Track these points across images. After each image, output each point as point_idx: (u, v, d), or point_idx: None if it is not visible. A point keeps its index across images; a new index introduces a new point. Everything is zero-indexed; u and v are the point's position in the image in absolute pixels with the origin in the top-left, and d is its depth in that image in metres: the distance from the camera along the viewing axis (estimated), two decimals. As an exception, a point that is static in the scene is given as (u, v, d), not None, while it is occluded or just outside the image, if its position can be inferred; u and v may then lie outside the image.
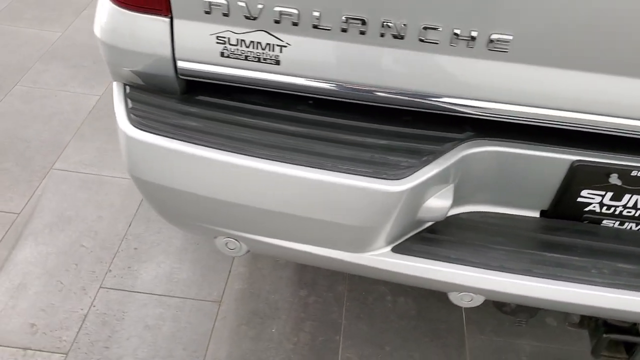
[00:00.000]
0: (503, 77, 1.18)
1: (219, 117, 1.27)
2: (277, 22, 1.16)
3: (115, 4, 1.22)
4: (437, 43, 1.15)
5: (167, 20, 1.20)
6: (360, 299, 2.15)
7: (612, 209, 1.35)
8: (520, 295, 1.29)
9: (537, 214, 1.42)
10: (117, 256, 2.22)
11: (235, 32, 1.19)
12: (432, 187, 1.23)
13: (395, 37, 1.15)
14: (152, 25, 1.21)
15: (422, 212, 1.26)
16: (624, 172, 1.26)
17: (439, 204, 1.26)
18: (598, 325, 1.46)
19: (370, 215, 1.21)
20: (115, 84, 1.34)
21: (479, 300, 1.37)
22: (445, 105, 1.22)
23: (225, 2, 1.15)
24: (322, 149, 1.22)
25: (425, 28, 1.12)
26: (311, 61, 1.21)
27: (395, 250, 1.30)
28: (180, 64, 1.24)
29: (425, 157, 1.21)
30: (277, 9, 1.14)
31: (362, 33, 1.15)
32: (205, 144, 1.20)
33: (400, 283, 1.38)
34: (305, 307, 2.11)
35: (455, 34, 1.12)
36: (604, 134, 1.22)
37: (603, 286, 1.26)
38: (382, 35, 1.15)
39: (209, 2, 1.15)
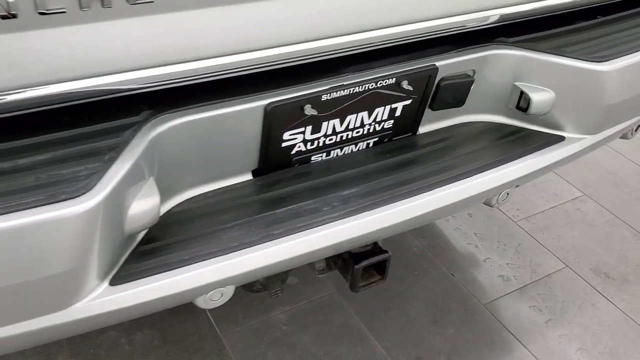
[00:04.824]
0: (157, 34, 0.98)
1: None
2: None
3: None
4: (65, 12, 0.88)
5: None
6: (91, 357, 1.77)
7: (316, 142, 1.29)
8: (272, 264, 1.14)
9: (249, 176, 1.28)
10: None
11: None
12: (131, 189, 0.98)
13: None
14: None
15: (130, 223, 1.00)
16: (315, 100, 1.20)
17: (146, 205, 1.01)
18: (345, 260, 1.42)
19: (66, 250, 0.89)
20: None
21: (229, 293, 1.19)
22: (108, 87, 0.97)
23: None
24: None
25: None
26: None
27: (114, 282, 1.02)
28: None
29: (107, 156, 0.95)
30: None
31: None
32: None
33: (138, 317, 1.11)
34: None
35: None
36: (288, 68, 1.13)
37: (340, 218, 1.19)
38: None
39: None
